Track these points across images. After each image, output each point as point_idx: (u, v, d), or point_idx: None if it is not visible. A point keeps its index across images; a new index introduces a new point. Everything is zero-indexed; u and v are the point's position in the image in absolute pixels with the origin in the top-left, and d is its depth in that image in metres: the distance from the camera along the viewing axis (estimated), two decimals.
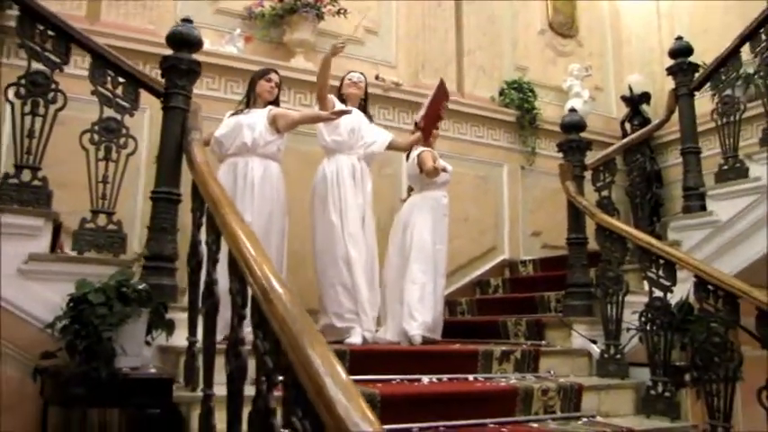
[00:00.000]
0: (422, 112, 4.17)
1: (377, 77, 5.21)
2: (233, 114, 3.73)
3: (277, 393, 1.53)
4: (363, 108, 4.13)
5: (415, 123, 4.18)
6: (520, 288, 5.01)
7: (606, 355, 3.50)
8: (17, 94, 2.58)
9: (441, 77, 4.50)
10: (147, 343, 2.42)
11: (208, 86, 4.63)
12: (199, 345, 2.33)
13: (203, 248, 2.31)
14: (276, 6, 4.98)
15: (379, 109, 5.16)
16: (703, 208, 4.01)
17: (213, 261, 2.15)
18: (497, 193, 5.77)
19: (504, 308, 4.57)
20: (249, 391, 1.78)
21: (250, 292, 1.73)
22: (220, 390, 2.06)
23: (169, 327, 2.37)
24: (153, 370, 2.25)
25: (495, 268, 5.60)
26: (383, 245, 4.13)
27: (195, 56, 2.92)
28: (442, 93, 4.28)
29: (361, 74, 4.19)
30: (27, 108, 2.59)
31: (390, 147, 4.13)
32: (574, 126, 4.13)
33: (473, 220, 5.51)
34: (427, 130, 4.17)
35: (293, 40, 5.03)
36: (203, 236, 2.31)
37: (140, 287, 2.27)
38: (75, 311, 2.19)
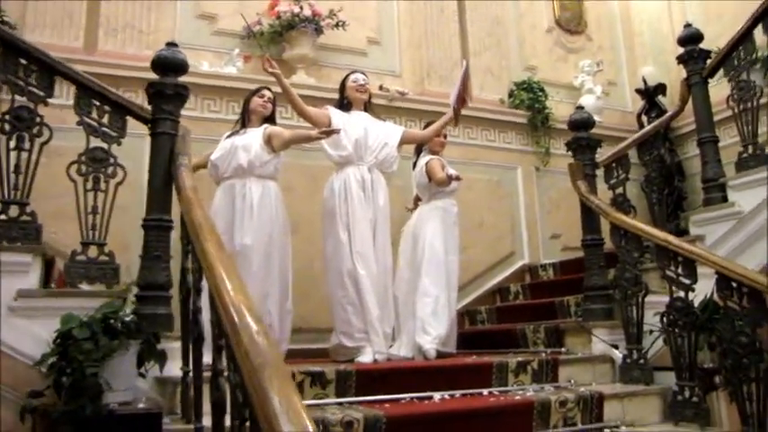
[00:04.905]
0: (454, 94, 3.90)
1: (380, 88, 5.13)
2: (228, 136, 3.66)
3: None
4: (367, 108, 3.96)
5: (453, 108, 3.89)
6: (540, 293, 4.84)
7: (629, 360, 3.34)
8: (1, 130, 2.56)
9: (465, 60, 4.29)
10: (142, 375, 2.35)
11: (209, 108, 4.62)
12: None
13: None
14: (274, 23, 4.94)
15: (385, 119, 5.06)
16: (725, 199, 3.80)
17: (197, 290, 2.07)
18: (512, 196, 5.62)
19: (524, 315, 4.42)
20: None
21: None
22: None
23: (161, 357, 2.30)
24: (142, 405, 2.17)
25: (515, 274, 5.44)
26: (394, 258, 3.98)
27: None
28: (467, 77, 4.02)
29: (364, 74, 4.02)
30: (12, 143, 2.57)
31: (407, 140, 3.97)
32: (582, 124, 4.00)
33: (488, 226, 5.37)
34: (456, 114, 3.95)
35: (293, 56, 4.98)
36: (189, 264, 2.26)
37: (128, 319, 2.21)
38: (62, 347, 2.13)
